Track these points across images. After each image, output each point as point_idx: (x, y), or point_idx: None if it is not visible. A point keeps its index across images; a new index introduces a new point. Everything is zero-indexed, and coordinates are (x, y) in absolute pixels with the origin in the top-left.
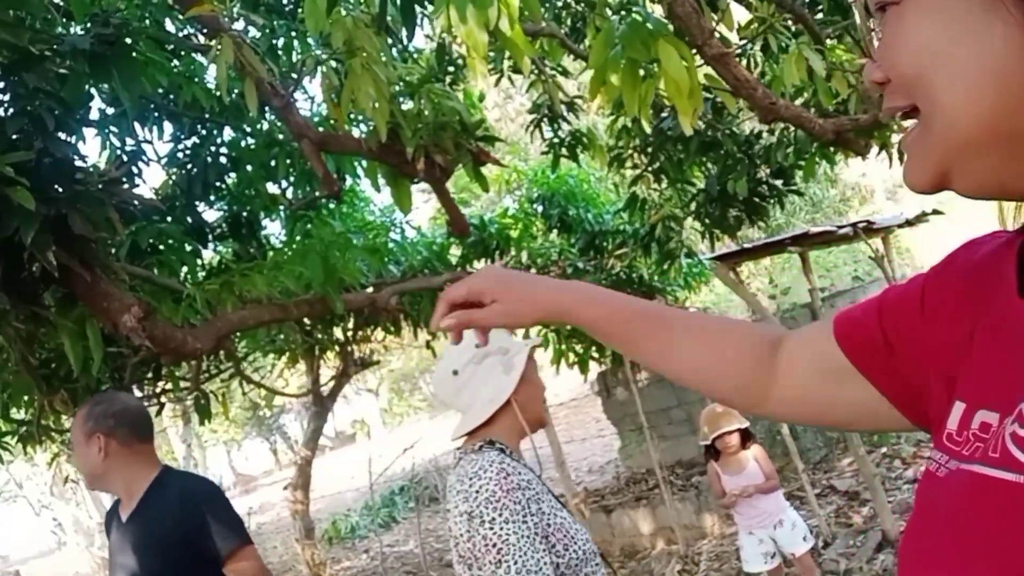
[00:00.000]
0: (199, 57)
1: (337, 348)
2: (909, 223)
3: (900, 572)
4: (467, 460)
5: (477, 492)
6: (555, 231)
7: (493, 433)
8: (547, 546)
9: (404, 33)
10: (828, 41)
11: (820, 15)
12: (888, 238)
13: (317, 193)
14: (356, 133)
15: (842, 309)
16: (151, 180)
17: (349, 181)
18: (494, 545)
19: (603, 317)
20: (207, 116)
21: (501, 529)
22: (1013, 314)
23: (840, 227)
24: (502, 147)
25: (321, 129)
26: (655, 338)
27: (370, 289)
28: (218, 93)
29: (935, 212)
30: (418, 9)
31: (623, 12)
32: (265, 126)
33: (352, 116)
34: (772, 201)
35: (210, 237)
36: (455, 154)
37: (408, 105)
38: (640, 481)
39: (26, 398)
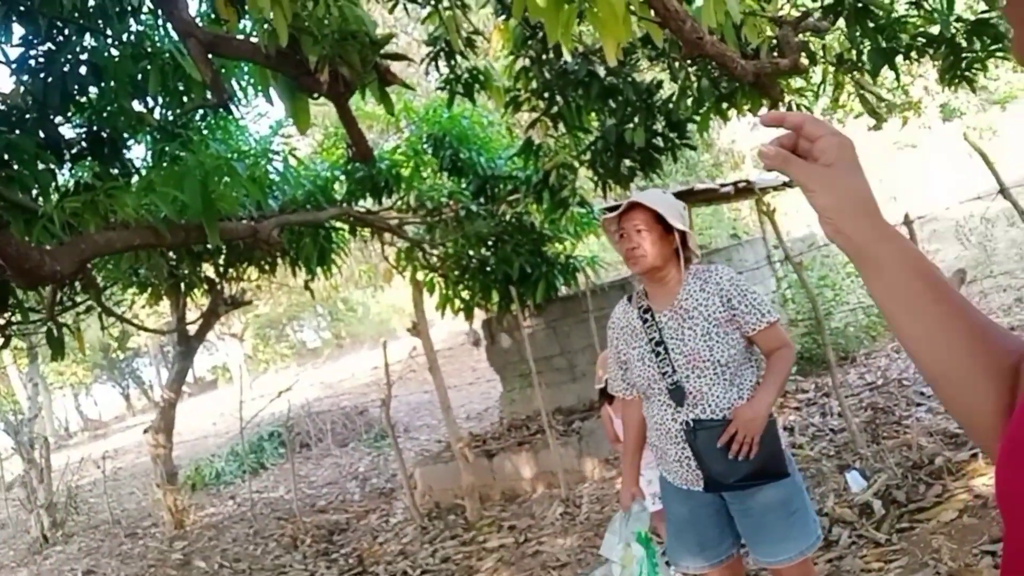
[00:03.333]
0: None
1: (206, 286)
2: (787, 185)
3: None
4: None
5: None
6: (446, 173)
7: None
8: (623, 368)
9: None
10: None
11: None
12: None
13: (199, 102)
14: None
15: None
16: None
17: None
18: None
19: (898, 260)
20: (65, 18)
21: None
22: None
23: (723, 185)
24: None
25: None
26: (929, 312)
27: (246, 221)
28: None
29: None
30: None
31: None
32: (133, 36)
33: (240, 22)
34: (667, 153)
35: (67, 155)
36: (361, 69)
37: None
38: (521, 427)
39: None
